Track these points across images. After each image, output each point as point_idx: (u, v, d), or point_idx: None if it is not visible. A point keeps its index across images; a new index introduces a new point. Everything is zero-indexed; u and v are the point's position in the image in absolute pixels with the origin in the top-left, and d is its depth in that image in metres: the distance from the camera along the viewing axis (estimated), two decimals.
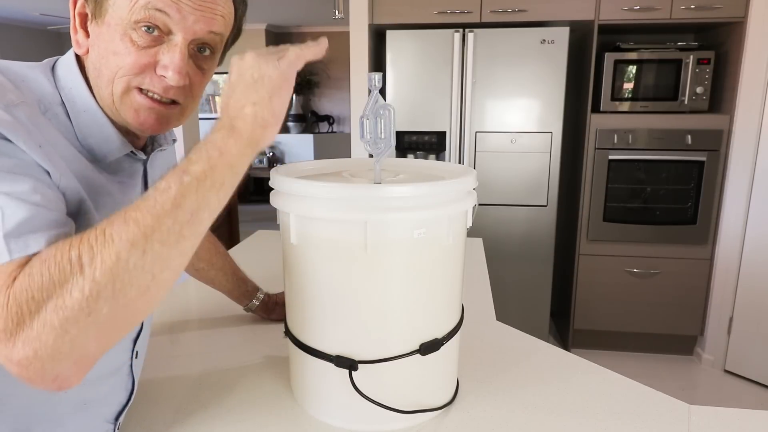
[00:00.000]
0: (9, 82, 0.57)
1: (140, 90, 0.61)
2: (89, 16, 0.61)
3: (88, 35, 0.61)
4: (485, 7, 2.48)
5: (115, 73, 0.59)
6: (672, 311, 2.66)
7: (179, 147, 1.51)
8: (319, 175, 0.87)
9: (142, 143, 0.71)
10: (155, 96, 0.61)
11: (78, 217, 0.57)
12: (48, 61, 0.64)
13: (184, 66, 0.60)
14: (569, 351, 1.57)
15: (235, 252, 1.13)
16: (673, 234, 2.58)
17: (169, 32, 0.59)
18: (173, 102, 0.63)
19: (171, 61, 0.60)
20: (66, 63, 0.63)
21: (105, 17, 0.59)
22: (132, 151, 0.67)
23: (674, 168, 2.54)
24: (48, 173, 0.53)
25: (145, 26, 0.58)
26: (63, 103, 0.61)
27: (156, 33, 0.59)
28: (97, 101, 0.62)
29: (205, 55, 0.64)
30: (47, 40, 7.09)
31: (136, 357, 0.76)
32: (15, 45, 6.64)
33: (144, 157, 0.70)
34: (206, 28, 0.61)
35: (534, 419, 0.80)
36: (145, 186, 0.73)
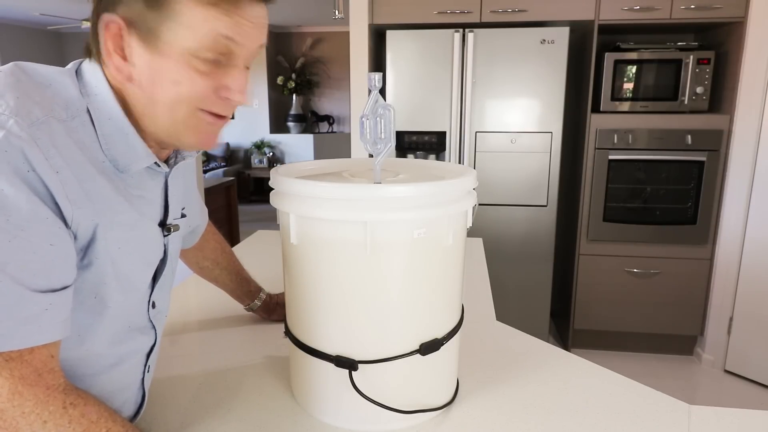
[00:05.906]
0: (36, 86, 0.56)
1: (202, 109, 0.61)
2: (126, 39, 0.58)
3: (124, 58, 0.58)
4: (485, 7, 2.48)
5: (176, 101, 0.59)
6: (672, 311, 2.66)
7: None
8: (319, 175, 0.87)
9: (166, 156, 0.70)
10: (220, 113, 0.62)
11: (91, 243, 0.59)
12: (72, 66, 0.63)
13: (247, 85, 0.61)
14: (569, 351, 1.57)
15: (235, 252, 1.13)
16: (673, 234, 2.58)
17: (230, 54, 0.59)
18: None
19: (236, 84, 0.60)
20: (92, 68, 0.62)
21: (160, 46, 0.56)
22: (156, 162, 0.66)
23: (674, 168, 2.54)
24: (58, 206, 0.53)
25: (212, 55, 0.58)
26: (88, 110, 0.60)
27: (218, 59, 0.59)
28: (129, 115, 0.61)
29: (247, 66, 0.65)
30: (47, 40, 7.09)
31: (148, 371, 0.76)
32: (15, 45, 6.64)
33: (167, 169, 0.69)
34: (259, 43, 0.62)
35: (534, 419, 0.80)
36: (166, 199, 0.71)
